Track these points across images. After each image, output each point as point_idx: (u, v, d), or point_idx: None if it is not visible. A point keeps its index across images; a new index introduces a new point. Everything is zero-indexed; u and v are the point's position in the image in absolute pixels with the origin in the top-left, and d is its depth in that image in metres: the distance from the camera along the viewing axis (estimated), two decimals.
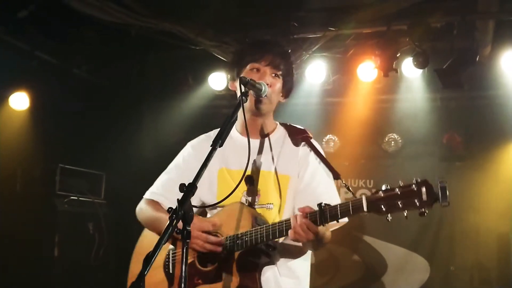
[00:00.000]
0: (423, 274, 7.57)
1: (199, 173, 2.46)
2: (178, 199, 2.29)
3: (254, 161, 2.98)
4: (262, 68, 2.98)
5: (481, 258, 7.38)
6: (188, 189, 2.34)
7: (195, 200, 3.01)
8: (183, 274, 2.21)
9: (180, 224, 2.27)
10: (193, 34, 6.61)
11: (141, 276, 2.07)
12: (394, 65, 6.48)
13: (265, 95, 2.91)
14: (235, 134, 3.08)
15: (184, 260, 2.22)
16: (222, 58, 7.11)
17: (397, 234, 7.50)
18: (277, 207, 2.92)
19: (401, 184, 2.41)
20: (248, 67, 3.02)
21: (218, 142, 2.57)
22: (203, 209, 3.10)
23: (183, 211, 2.25)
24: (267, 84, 2.92)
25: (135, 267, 3.22)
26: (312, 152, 2.97)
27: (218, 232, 2.89)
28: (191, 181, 2.89)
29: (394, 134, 7.81)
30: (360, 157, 7.94)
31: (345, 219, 2.67)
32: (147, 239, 3.20)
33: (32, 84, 7.00)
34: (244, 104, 2.79)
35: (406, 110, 7.67)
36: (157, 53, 7.48)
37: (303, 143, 3.00)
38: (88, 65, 7.60)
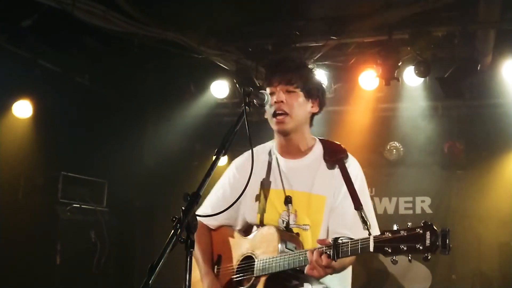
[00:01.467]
0: (425, 282, 7.56)
1: (203, 183, 2.47)
2: (182, 209, 2.31)
3: (290, 181, 3.02)
4: (276, 89, 3.01)
5: (483, 267, 7.38)
6: (192, 199, 2.35)
7: (239, 219, 3.12)
8: (187, 283, 2.22)
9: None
10: (196, 43, 6.64)
11: (146, 285, 2.08)
12: (395, 74, 6.51)
13: (283, 112, 2.95)
14: (275, 153, 3.13)
15: (188, 269, 2.23)
16: (224, 66, 7.14)
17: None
18: (313, 228, 2.95)
19: (409, 225, 2.42)
20: (268, 93, 3.02)
21: (221, 152, 2.59)
22: (248, 226, 3.15)
23: (187, 220, 2.26)
24: (281, 102, 2.95)
25: None
26: (343, 180, 2.96)
27: (253, 253, 2.96)
28: (238, 204, 3.02)
29: (395, 143, 7.82)
30: (362, 165, 7.87)
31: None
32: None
33: (35, 92, 7.01)
34: (247, 114, 2.79)
35: (408, 118, 7.69)
36: (160, 62, 7.50)
37: (337, 165, 3.00)
38: (91, 74, 7.62)
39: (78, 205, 7.21)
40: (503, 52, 6.57)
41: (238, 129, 2.71)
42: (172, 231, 2.24)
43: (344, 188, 2.93)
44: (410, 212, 7.76)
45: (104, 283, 7.21)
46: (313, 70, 3.13)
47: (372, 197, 7.89)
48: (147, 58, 7.28)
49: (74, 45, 6.92)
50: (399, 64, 6.48)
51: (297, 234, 2.95)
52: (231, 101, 7.70)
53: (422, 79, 6.73)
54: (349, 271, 3.06)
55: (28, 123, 7.12)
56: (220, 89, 7.47)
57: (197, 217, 3.13)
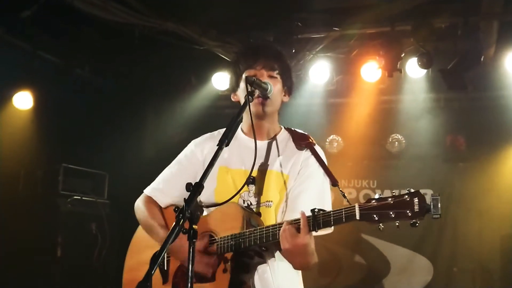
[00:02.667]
0: (426, 275, 7.57)
1: (206, 172, 2.46)
2: (185, 199, 2.28)
3: (255, 161, 2.95)
4: (257, 72, 2.99)
5: (484, 260, 7.37)
6: (195, 189, 2.34)
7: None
8: (190, 273, 2.21)
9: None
10: (197, 34, 6.61)
11: (148, 275, 2.07)
12: (398, 66, 6.49)
13: (270, 95, 2.91)
14: (240, 134, 3.08)
15: (191, 259, 2.21)
16: (225, 58, 7.11)
17: (400, 235, 7.49)
18: (276, 205, 2.92)
19: (394, 193, 2.43)
20: (244, 75, 3.01)
21: (224, 141, 2.58)
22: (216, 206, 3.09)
23: (190, 210, 2.24)
24: None
25: (130, 260, 3.28)
26: (313, 157, 2.97)
27: (213, 232, 2.90)
28: (193, 178, 2.84)
29: (397, 135, 7.80)
30: (364, 157, 7.94)
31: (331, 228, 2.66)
32: (139, 241, 3.21)
33: (35, 84, 7.00)
34: (250, 104, 2.78)
35: (410, 110, 7.67)
36: (160, 53, 7.46)
37: (306, 148, 3.00)
38: (91, 65, 7.60)
39: (79, 197, 7.20)
40: (506, 43, 6.54)
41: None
42: (175, 221, 2.22)
43: (311, 168, 2.93)
44: None
45: (105, 275, 7.19)
46: (287, 59, 3.14)
47: (373, 190, 7.93)
48: (148, 49, 7.24)
49: (74, 37, 6.89)
50: (401, 55, 6.45)
51: (259, 214, 2.91)
52: (232, 93, 7.66)
53: (424, 71, 6.70)
54: None
55: (29, 114, 7.12)
56: (221, 81, 7.44)
57: (146, 193, 3.17)
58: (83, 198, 7.25)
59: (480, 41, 6.34)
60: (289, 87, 3.09)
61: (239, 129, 3.09)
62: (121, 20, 6.18)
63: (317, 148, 3.03)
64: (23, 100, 7.08)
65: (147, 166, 8.06)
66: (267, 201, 2.92)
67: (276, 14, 6.49)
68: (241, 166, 2.99)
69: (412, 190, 2.41)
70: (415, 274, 7.62)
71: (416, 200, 2.37)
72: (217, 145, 2.58)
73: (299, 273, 3.01)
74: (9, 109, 7.04)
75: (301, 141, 3.02)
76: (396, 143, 7.80)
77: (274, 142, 3.05)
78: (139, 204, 3.23)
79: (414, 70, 6.70)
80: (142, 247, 3.18)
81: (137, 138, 8.19)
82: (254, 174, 2.95)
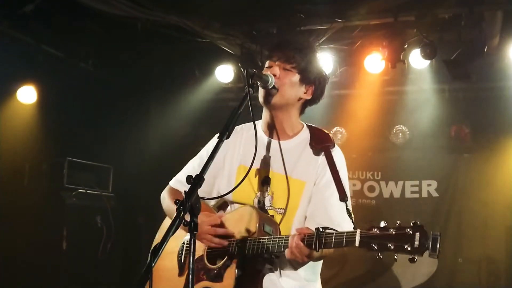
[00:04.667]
0: (431, 266, 7.56)
1: (206, 165, 2.46)
2: (185, 191, 2.29)
3: (270, 162, 2.98)
4: (274, 64, 2.97)
5: (489, 251, 7.36)
6: (195, 181, 2.34)
7: (214, 192, 3.07)
8: (191, 265, 2.21)
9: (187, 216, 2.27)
10: (200, 27, 6.60)
11: (149, 267, 2.07)
12: (401, 57, 6.46)
13: (272, 87, 2.89)
14: (260, 133, 3.06)
15: (192, 251, 2.22)
16: (228, 50, 7.10)
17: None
18: (288, 212, 2.91)
19: (398, 224, 2.37)
20: (265, 66, 3.01)
21: (225, 134, 2.58)
22: (223, 203, 3.13)
23: (190, 203, 2.25)
24: (274, 75, 2.90)
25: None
26: (328, 166, 2.92)
27: (228, 231, 2.91)
28: (215, 173, 3.00)
29: (401, 126, 7.78)
30: (368, 149, 7.92)
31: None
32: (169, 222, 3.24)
33: (39, 78, 7.02)
34: (251, 96, 2.77)
35: (414, 101, 7.65)
36: (164, 46, 7.46)
37: (321, 152, 2.95)
38: (95, 59, 7.60)
39: (84, 191, 7.23)
40: (510, 34, 6.49)
41: (242, 111, 2.69)
42: (175, 214, 2.23)
43: (327, 176, 2.89)
44: (417, 195, 7.72)
45: (110, 268, 7.24)
46: (316, 56, 3.06)
47: (378, 181, 7.92)
48: (151, 42, 7.24)
49: (78, 30, 6.89)
50: (405, 46, 6.42)
51: (272, 216, 2.91)
52: (236, 86, 7.67)
53: (428, 62, 6.67)
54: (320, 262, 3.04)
55: (33, 108, 7.14)
56: (224, 73, 7.44)
57: (171, 185, 3.21)
58: (88, 191, 7.28)
59: (484, 31, 6.31)
60: (310, 84, 3.00)
61: (259, 128, 3.06)
62: (124, 13, 6.17)
63: (335, 151, 2.98)
64: (27, 95, 7.10)
65: (151, 159, 8.11)
66: (279, 207, 2.93)
67: (279, 6, 6.46)
68: (257, 165, 2.98)
69: (418, 223, 2.34)
70: (420, 265, 7.60)
71: (417, 235, 2.30)
72: (217, 138, 2.57)
73: (317, 280, 3.04)
74: (13, 104, 7.06)
75: (318, 144, 2.97)
76: (400, 134, 7.78)
77: (291, 144, 3.02)
78: (164, 194, 3.29)
79: (417, 61, 6.66)
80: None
81: (141, 131, 8.20)
82: (268, 175, 2.96)
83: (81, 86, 7.25)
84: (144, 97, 8.32)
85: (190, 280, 2.21)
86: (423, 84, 7.43)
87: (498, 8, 6.08)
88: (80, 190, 7.19)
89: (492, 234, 7.35)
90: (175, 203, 2.29)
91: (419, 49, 6.37)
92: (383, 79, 7.43)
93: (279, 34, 6.48)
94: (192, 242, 2.22)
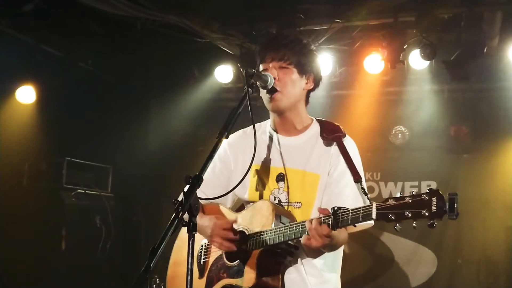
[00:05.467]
0: (430, 267, 7.56)
1: (205, 165, 2.46)
2: (183, 191, 2.29)
3: (284, 159, 2.97)
4: (268, 66, 2.96)
5: (488, 251, 7.36)
6: (194, 181, 2.34)
7: (229, 196, 3.05)
8: (189, 266, 2.21)
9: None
10: (199, 27, 6.60)
11: (147, 268, 2.07)
12: (401, 57, 6.45)
13: (272, 87, 2.88)
14: (269, 131, 3.07)
15: (190, 252, 2.22)
16: (228, 50, 7.10)
17: (404, 226, 7.47)
18: (305, 206, 2.91)
19: (413, 192, 2.36)
20: (260, 70, 3.00)
21: (224, 133, 2.58)
22: (239, 204, 3.14)
23: (189, 203, 2.24)
24: (274, 78, 2.89)
25: (175, 255, 3.24)
26: (341, 154, 2.92)
27: (246, 228, 2.91)
28: (227, 178, 3.03)
29: (401, 127, 7.77)
30: (367, 149, 7.89)
31: (370, 222, 2.61)
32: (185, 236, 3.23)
33: (38, 78, 7.01)
34: (250, 96, 2.76)
35: (413, 102, 7.64)
36: (163, 46, 7.45)
37: (334, 143, 2.95)
38: (94, 59, 7.60)
39: (83, 191, 7.23)
40: (510, 34, 6.49)
41: (241, 112, 2.68)
42: (174, 214, 2.23)
43: (341, 166, 2.89)
44: None
45: (110, 268, 7.24)
46: (307, 45, 3.07)
47: (377, 182, 7.92)
48: (150, 42, 7.23)
49: (77, 30, 6.88)
50: (404, 47, 6.42)
51: (288, 212, 2.91)
52: (235, 86, 7.66)
53: (427, 62, 6.67)
54: (340, 253, 3.02)
55: (32, 108, 7.13)
56: (224, 73, 7.43)
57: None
58: (87, 191, 7.28)
59: (484, 31, 6.30)
60: (309, 74, 3.01)
61: (268, 126, 3.08)
62: (124, 13, 6.16)
63: (347, 140, 2.97)
64: (26, 94, 7.09)
65: (151, 159, 8.11)
66: (296, 202, 2.92)
67: (279, 6, 6.46)
68: (270, 163, 2.99)
69: (433, 189, 2.32)
70: (419, 266, 7.61)
71: (434, 200, 2.28)
72: (216, 138, 2.58)
73: (336, 272, 3.00)
74: (12, 104, 7.05)
75: (329, 135, 2.96)
76: (400, 135, 7.78)
77: (303, 138, 3.01)
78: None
79: (417, 61, 6.66)
80: (186, 241, 3.18)
81: (140, 131, 8.20)
82: (282, 171, 2.95)
83: (80, 86, 7.25)
84: (143, 97, 8.32)
85: (189, 281, 2.20)
86: (422, 85, 7.43)
87: (497, 9, 6.07)
88: (79, 190, 7.19)
89: (491, 235, 7.35)
90: (174, 203, 2.28)
91: (419, 49, 6.37)
92: (383, 80, 7.43)
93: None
94: (190, 242, 2.22)
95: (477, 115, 7.47)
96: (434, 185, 7.74)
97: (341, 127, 3.03)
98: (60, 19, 6.53)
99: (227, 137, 2.59)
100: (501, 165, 7.35)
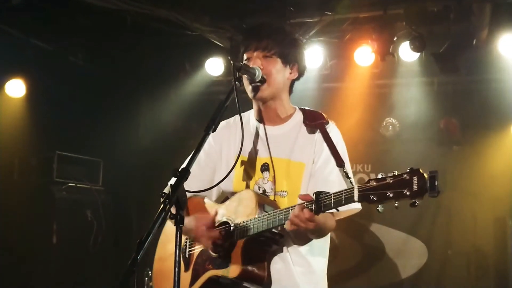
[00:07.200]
0: (421, 258, 7.59)
1: (192, 158, 2.47)
2: (170, 184, 2.29)
3: (269, 148, 2.98)
4: (252, 55, 2.96)
5: (479, 243, 7.39)
6: (181, 174, 2.34)
7: (215, 188, 3.04)
8: (176, 258, 2.22)
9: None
10: (189, 20, 6.58)
11: (134, 260, 2.08)
12: (391, 50, 6.47)
13: (260, 80, 2.89)
14: (253, 121, 3.08)
15: (177, 244, 2.23)
16: (218, 43, 7.09)
17: (395, 218, 7.51)
18: (290, 195, 2.92)
19: (395, 173, 2.37)
20: (244, 59, 3.00)
21: (211, 127, 2.59)
22: (223, 196, 3.14)
23: (176, 196, 2.25)
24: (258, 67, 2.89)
25: (160, 250, 3.27)
26: (324, 141, 2.93)
27: (229, 218, 2.91)
28: (212, 170, 3.03)
29: (391, 119, 7.79)
30: (358, 142, 7.91)
31: (356, 206, 2.64)
32: (170, 231, 3.23)
33: (28, 72, 6.98)
34: (238, 89, 2.77)
35: (404, 94, 7.65)
36: (154, 40, 7.43)
37: (318, 130, 2.96)
38: (84, 53, 7.57)
39: (74, 184, 7.22)
40: (499, 26, 6.50)
41: (228, 105, 2.69)
42: (161, 206, 2.23)
43: (325, 153, 2.90)
44: None
45: (101, 262, 7.23)
46: (289, 35, 3.07)
47: (368, 174, 7.94)
48: (141, 36, 7.21)
49: (67, 24, 6.85)
50: (394, 39, 6.44)
51: (274, 201, 2.91)
52: (226, 79, 7.65)
53: (417, 55, 6.69)
54: (327, 239, 3.03)
55: (22, 102, 7.11)
56: (215, 66, 7.43)
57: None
58: (78, 185, 7.27)
59: (473, 23, 6.32)
60: (293, 64, 3.01)
61: (252, 116, 3.09)
62: (113, 6, 6.14)
63: (330, 127, 2.98)
64: (15, 88, 7.06)
65: (142, 152, 8.10)
66: (281, 191, 2.93)
67: None
68: (255, 154, 2.99)
69: (414, 168, 2.34)
70: (410, 257, 7.64)
71: (415, 179, 2.30)
72: (204, 131, 2.58)
73: (324, 257, 3.01)
74: (1, 97, 7.02)
75: (312, 122, 2.98)
76: (390, 127, 7.79)
77: (287, 127, 3.03)
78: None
79: (407, 54, 6.68)
80: (170, 237, 3.17)
81: (131, 125, 8.19)
82: (267, 161, 2.95)
83: (70, 80, 7.22)
84: (134, 91, 8.29)
85: (176, 272, 2.21)
86: (412, 77, 7.45)
87: (486, 1, 6.09)
88: (70, 184, 7.18)
89: (481, 227, 7.38)
90: (161, 196, 2.29)
91: (408, 42, 6.39)
92: (373, 72, 7.43)
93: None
94: (178, 235, 2.22)
95: (467, 107, 7.48)
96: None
97: (324, 114, 3.04)
98: (50, 13, 6.49)
99: (214, 130, 2.60)
100: (491, 157, 7.37)
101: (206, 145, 3.07)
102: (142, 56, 7.88)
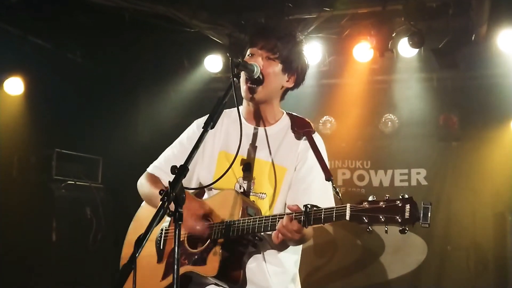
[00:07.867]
0: (420, 254, 7.61)
1: (191, 155, 2.46)
2: (169, 181, 2.29)
3: (253, 149, 2.97)
4: (256, 52, 2.95)
5: (478, 238, 7.41)
6: (180, 171, 2.34)
7: (194, 179, 3.05)
8: (176, 256, 2.21)
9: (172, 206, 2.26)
10: (188, 17, 6.58)
11: (133, 258, 2.08)
12: (389, 45, 6.47)
13: (257, 78, 2.88)
14: (241, 119, 3.05)
15: (176, 242, 2.22)
16: (217, 40, 7.08)
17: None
18: (269, 198, 2.92)
19: (387, 197, 2.41)
20: (247, 53, 2.99)
21: (209, 124, 2.58)
22: (200, 189, 3.10)
23: (174, 193, 2.25)
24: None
25: (131, 235, 3.26)
26: (311, 149, 2.92)
27: (210, 216, 2.89)
28: (195, 160, 2.91)
29: (390, 115, 7.79)
30: (357, 138, 7.94)
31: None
32: (143, 217, 3.22)
33: (26, 69, 6.97)
34: (236, 86, 2.76)
35: (403, 90, 7.66)
36: (152, 37, 7.43)
37: (304, 137, 2.96)
38: (82, 50, 7.56)
39: (73, 182, 7.22)
40: (498, 22, 6.50)
41: (227, 101, 2.69)
42: (160, 204, 2.23)
43: (309, 162, 2.91)
44: (406, 184, 7.76)
45: (100, 259, 7.23)
46: (300, 45, 3.04)
47: (367, 170, 7.95)
48: (139, 33, 7.20)
49: (65, 21, 6.84)
50: (393, 35, 6.43)
51: (253, 202, 2.91)
52: (225, 75, 7.65)
53: (416, 51, 6.68)
54: (298, 249, 3.05)
55: (20, 100, 7.10)
56: (213, 63, 7.42)
57: (149, 171, 3.18)
58: (77, 182, 7.27)
59: (472, 19, 6.32)
60: (292, 73, 3.00)
61: (242, 114, 3.05)
62: (112, 4, 6.14)
63: (316, 136, 2.98)
64: (14, 86, 7.05)
65: (141, 149, 8.08)
66: (260, 192, 2.93)
67: None
68: (239, 152, 2.93)
69: (406, 196, 2.38)
70: (409, 253, 7.65)
71: (408, 206, 2.35)
72: (202, 128, 2.58)
73: (294, 266, 3.02)
74: (0, 95, 7.01)
75: (300, 129, 2.98)
76: (389, 123, 7.79)
77: (273, 130, 3.02)
78: (141, 180, 3.24)
79: (406, 49, 6.67)
80: (144, 223, 3.17)
81: (130, 122, 8.18)
82: (249, 161, 2.95)
83: (69, 77, 7.21)
84: (132, 88, 8.29)
85: (176, 270, 2.20)
86: (411, 73, 7.45)
87: None
88: (69, 182, 7.18)
89: (480, 222, 7.39)
90: (160, 193, 2.28)
91: (407, 37, 6.38)
92: (372, 68, 7.44)
93: (267, 23, 6.47)
94: (176, 232, 2.22)
95: (466, 103, 7.49)
96: (423, 173, 7.78)
97: (311, 123, 3.03)
98: (48, 10, 6.48)
99: (212, 127, 2.59)
100: (490, 153, 7.38)
101: (191, 135, 3.12)
102: (140, 53, 7.87)
